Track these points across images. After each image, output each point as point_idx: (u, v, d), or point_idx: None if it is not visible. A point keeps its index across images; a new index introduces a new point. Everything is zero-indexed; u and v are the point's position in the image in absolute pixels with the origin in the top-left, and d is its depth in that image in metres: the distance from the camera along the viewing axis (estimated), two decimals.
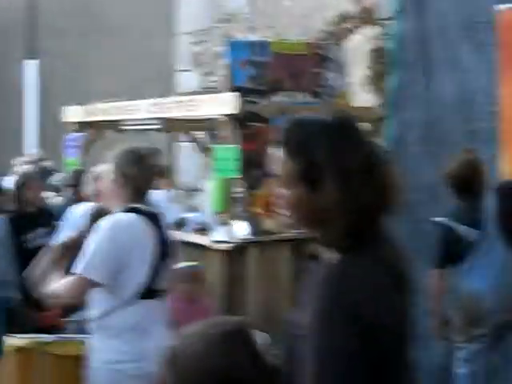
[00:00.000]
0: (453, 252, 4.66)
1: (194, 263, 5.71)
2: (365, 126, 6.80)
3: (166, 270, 4.07)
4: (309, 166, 2.10)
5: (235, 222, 6.09)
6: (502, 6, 5.00)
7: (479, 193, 4.69)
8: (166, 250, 4.07)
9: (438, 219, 4.74)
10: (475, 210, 4.65)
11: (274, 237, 6.10)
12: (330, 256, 2.13)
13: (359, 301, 2.01)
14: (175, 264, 4.48)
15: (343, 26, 7.58)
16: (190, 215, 7.74)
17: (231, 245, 6.03)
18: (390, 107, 6.10)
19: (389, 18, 6.25)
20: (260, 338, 2.00)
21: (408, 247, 5.69)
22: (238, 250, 6.01)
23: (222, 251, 6.09)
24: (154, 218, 4.06)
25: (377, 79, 6.72)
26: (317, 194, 2.09)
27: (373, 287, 2.05)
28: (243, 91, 6.20)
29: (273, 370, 1.98)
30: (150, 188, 4.19)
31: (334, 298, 2.02)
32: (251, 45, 6.54)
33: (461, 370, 4.68)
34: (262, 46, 6.50)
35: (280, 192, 2.13)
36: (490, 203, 4.60)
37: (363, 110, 6.58)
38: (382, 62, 6.57)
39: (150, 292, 3.97)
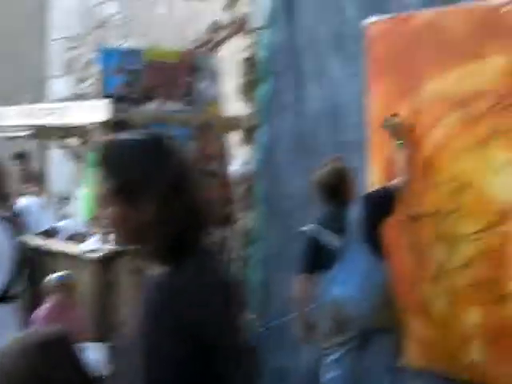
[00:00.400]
0: (318, 259, 4.75)
1: (66, 272, 5.66)
2: (237, 134, 6.90)
3: (21, 275, 4.02)
4: (124, 183, 2.17)
5: (107, 230, 6.03)
6: (370, 19, 5.11)
7: (346, 201, 4.79)
8: (22, 256, 4.02)
9: (304, 227, 4.82)
10: (342, 218, 4.74)
11: None
12: (154, 270, 2.18)
13: (183, 310, 2.06)
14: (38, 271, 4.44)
15: (216, 35, 7.62)
16: (61, 223, 7.63)
17: (102, 254, 5.98)
18: (262, 116, 6.16)
19: (261, 28, 6.30)
20: (94, 348, 2.06)
21: (281, 254, 5.81)
22: (109, 259, 5.97)
23: (94, 260, 6.03)
24: (11, 223, 3.99)
25: (249, 88, 6.78)
26: (134, 211, 2.16)
27: (197, 298, 2.11)
28: (115, 99, 6.16)
29: (91, 381, 2.04)
30: (7, 193, 4.12)
31: (159, 308, 2.08)
32: (123, 52, 6.51)
33: (328, 375, 4.77)
34: (135, 53, 6.47)
35: (102, 211, 2.19)
36: (356, 211, 4.69)
37: (235, 119, 6.63)
38: (253, 72, 6.63)
39: (4, 297, 3.92)
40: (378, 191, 4.91)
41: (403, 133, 4.85)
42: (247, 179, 6.56)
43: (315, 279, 4.83)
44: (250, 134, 6.62)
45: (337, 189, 4.81)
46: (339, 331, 4.68)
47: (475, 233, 4.58)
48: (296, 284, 4.84)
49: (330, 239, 4.70)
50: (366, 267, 4.68)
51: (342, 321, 4.66)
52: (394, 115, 4.90)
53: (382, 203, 4.79)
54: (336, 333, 4.68)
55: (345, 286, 4.67)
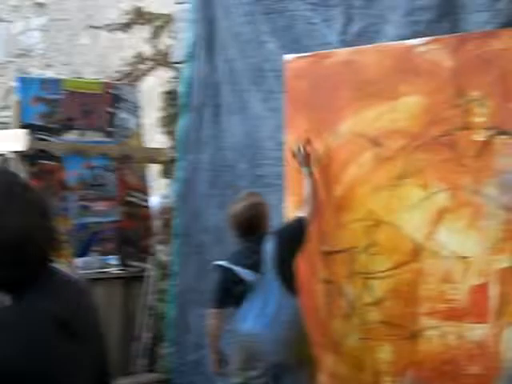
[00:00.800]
0: (231, 294, 4.73)
1: None
2: (157, 166, 6.87)
3: None
4: None
5: None
6: (289, 55, 5.16)
7: (261, 235, 4.79)
8: None
9: (218, 262, 4.80)
10: (256, 253, 4.73)
11: None
12: None
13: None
14: None
15: (139, 67, 7.59)
16: None
17: None
18: (181, 150, 6.16)
19: (182, 62, 6.32)
20: None
21: (197, 288, 5.77)
22: None
23: None
24: None
25: (169, 121, 6.77)
26: None
27: (17, 334, 2.06)
28: (33, 128, 6.08)
29: None
30: None
31: None
32: (42, 81, 6.42)
33: None
34: (54, 83, 6.40)
35: None
36: (269, 247, 4.70)
37: (155, 151, 6.60)
38: (174, 105, 6.63)
39: None
40: (288, 225, 4.93)
41: (311, 161, 4.90)
42: (166, 212, 6.53)
43: (227, 314, 4.82)
44: (169, 167, 6.60)
45: (252, 223, 4.80)
46: (251, 366, 4.65)
47: (388, 270, 4.62)
48: (208, 319, 4.82)
49: (244, 274, 4.69)
50: (277, 302, 4.67)
51: (254, 356, 4.64)
52: (306, 143, 4.95)
53: (293, 237, 4.81)
54: (248, 368, 4.66)
55: (256, 321, 4.66)
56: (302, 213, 4.88)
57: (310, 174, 4.91)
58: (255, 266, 4.69)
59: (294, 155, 4.99)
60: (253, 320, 4.67)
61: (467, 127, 4.33)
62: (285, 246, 4.73)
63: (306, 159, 4.93)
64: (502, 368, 4.16)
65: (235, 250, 4.85)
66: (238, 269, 4.70)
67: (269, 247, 4.70)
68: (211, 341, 4.87)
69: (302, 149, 4.94)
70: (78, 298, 2.31)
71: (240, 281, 4.69)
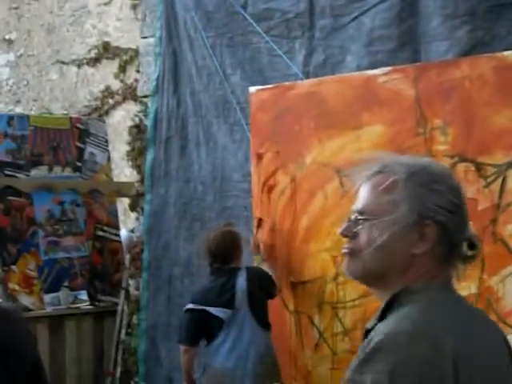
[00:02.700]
0: (204, 331, 4.72)
1: None
2: (126, 200, 6.83)
3: None
4: None
5: None
6: (254, 88, 5.15)
7: (233, 268, 4.77)
8: None
9: (189, 306, 4.77)
10: (228, 289, 4.71)
11: (31, 313, 5.93)
12: None
13: None
14: None
15: (107, 102, 7.58)
16: None
17: None
18: (149, 183, 6.12)
19: (148, 96, 6.30)
20: None
21: (168, 322, 5.72)
22: None
23: None
24: None
25: (137, 155, 6.74)
26: None
27: None
28: (0, 165, 6.06)
29: None
30: None
31: None
32: (10, 118, 6.39)
33: None
34: (21, 119, 6.37)
35: None
36: (242, 281, 4.67)
37: (123, 185, 6.57)
38: (141, 138, 6.61)
39: None
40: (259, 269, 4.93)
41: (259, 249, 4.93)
42: (135, 246, 6.49)
43: (199, 350, 4.79)
44: (137, 201, 6.57)
45: (225, 251, 4.79)
46: None
47: (356, 299, 4.60)
48: (182, 354, 4.80)
49: (216, 312, 4.67)
50: (250, 337, 4.66)
51: None
52: (259, 222, 4.97)
53: (265, 278, 4.81)
54: None
55: (229, 355, 4.64)
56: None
57: (263, 260, 4.95)
58: (227, 303, 4.66)
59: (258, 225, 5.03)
60: (226, 355, 4.64)
61: (431, 155, 4.32)
62: (256, 281, 4.72)
63: (256, 248, 4.96)
64: None
65: (206, 286, 4.82)
66: (209, 308, 4.67)
67: (240, 281, 4.68)
68: (185, 377, 4.84)
69: (253, 239, 4.99)
70: (11, 326, 2.31)
71: (212, 317, 4.67)
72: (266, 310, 4.76)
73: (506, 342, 1.95)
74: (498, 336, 1.95)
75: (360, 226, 1.91)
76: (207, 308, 4.68)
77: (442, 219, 1.85)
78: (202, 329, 4.72)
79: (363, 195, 1.95)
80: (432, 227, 1.86)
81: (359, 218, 1.92)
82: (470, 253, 1.93)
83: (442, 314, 1.83)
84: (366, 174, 1.94)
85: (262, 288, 4.78)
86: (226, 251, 4.80)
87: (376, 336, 1.77)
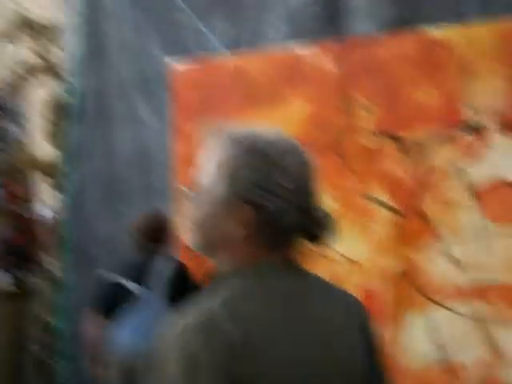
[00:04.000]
0: (116, 302, 4.63)
1: None
2: (45, 178, 6.66)
3: None
4: None
5: None
6: (176, 64, 5.04)
7: (160, 250, 4.70)
8: None
9: (108, 274, 4.67)
10: (150, 267, 4.64)
11: None
12: None
13: None
14: None
15: (25, 78, 7.37)
16: None
17: None
18: (70, 161, 5.95)
19: (70, 73, 6.12)
20: None
21: (86, 300, 5.61)
22: None
23: None
24: None
25: (57, 133, 6.56)
26: None
27: None
28: None
29: None
30: None
31: None
32: None
33: None
34: None
35: None
36: (164, 266, 4.59)
37: (44, 163, 6.39)
38: (63, 116, 6.43)
39: None
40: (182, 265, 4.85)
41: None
42: (56, 225, 6.32)
43: (107, 324, 4.71)
44: (59, 179, 6.40)
45: (153, 234, 4.73)
46: (127, 381, 4.54)
47: None
48: (89, 323, 4.72)
49: (131, 287, 4.58)
50: (156, 318, 4.57)
51: (127, 371, 4.54)
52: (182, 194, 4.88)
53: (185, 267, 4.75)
54: (124, 382, 4.55)
55: (133, 333, 4.56)
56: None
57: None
58: (144, 282, 4.59)
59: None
60: (130, 332, 4.57)
61: (354, 132, 4.28)
62: (178, 268, 4.67)
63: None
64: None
65: (128, 262, 4.74)
66: (126, 283, 4.59)
67: (162, 264, 4.61)
68: (90, 348, 4.77)
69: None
70: None
71: (126, 292, 4.59)
72: (182, 296, 4.68)
73: (362, 320, 1.88)
74: (345, 318, 1.87)
75: (192, 200, 1.83)
76: (124, 282, 4.60)
77: (262, 202, 1.75)
78: (114, 301, 4.64)
79: (199, 167, 1.85)
80: (250, 209, 1.75)
81: (192, 190, 1.84)
82: (319, 233, 1.83)
83: (250, 301, 1.73)
84: (204, 146, 1.84)
85: (182, 275, 4.71)
86: (153, 232, 4.74)
87: (177, 321, 1.68)
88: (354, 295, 1.91)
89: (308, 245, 1.84)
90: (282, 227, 1.75)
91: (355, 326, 1.86)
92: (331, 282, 1.90)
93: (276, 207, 1.73)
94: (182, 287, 4.67)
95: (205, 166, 1.81)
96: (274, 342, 1.68)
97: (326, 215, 1.84)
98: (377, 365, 1.96)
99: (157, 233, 4.75)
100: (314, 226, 1.81)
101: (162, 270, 4.60)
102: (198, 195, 1.80)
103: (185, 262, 4.73)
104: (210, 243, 1.79)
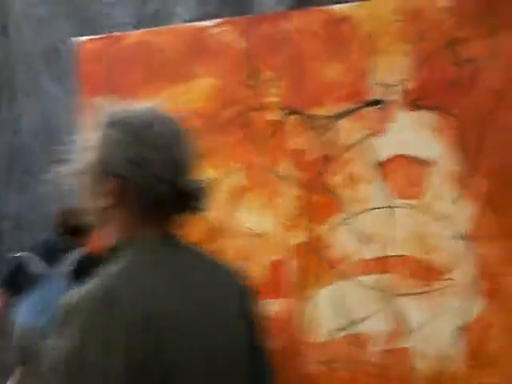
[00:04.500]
0: (20, 282, 4.58)
1: None
2: None
3: None
4: None
5: None
6: (82, 37, 4.94)
7: (75, 240, 4.67)
8: None
9: (16, 252, 4.61)
10: (61, 251, 4.60)
11: None
12: None
13: None
14: None
15: None
16: None
17: None
18: None
19: None
20: None
21: None
22: None
23: None
24: None
25: None
26: None
27: None
28: None
29: None
30: None
31: None
32: None
33: None
34: None
35: None
36: (75, 249, 4.55)
37: None
38: None
39: None
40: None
41: None
42: None
43: (13, 300, 4.67)
44: None
45: (71, 229, 4.69)
46: (26, 360, 4.52)
47: None
48: None
49: (40, 267, 4.53)
50: (57, 297, 4.54)
51: (24, 345, 4.51)
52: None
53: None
54: (22, 361, 4.53)
55: (31, 311, 4.54)
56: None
57: None
58: (54, 263, 4.55)
59: None
60: (29, 311, 4.54)
61: (261, 108, 4.29)
62: (87, 255, 4.64)
63: None
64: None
65: (44, 241, 4.70)
66: (34, 260, 4.54)
67: (76, 251, 4.58)
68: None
69: None
70: None
71: (33, 272, 4.55)
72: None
73: (241, 291, 1.91)
74: (226, 286, 1.90)
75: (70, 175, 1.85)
76: (34, 261, 4.54)
77: (130, 175, 1.76)
78: (22, 278, 4.59)
79: (75, 143, 1.88)
80: (117, 181, 1.77)
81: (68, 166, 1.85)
82: (195, 204, 1.86)
83: (139, 274, 1.75)
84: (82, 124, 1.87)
85: (92, 260, 4.67)
86: (70, 227, 4.70)
87: (71, 298, 1.69)
88: (235, 267, 1.94)
89: (187, 216, 1.85)
90: (153, 200, 1.76)
91: (236, 299, 1.88)
92: (213, 255, 1.92)
93: (144, 180, 1.73)
94: (89, 271, 4.62)
95: (79, 141, 1.82)
96: (169, 312, 1.68)
97: (200, 186, 1.85)
98: (257, 338, 1.99)
99: (72, 228, 4.71)
100: (187, 198, 1.82)
101: (74, 255, 4.57)
102: (75, 171, 1.80)
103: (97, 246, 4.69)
104: (96, 218, 1.79)
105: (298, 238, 4.23)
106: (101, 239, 1.80)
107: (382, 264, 3.99)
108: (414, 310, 3.89)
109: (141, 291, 1.68)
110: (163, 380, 1.63)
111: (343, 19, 4.08)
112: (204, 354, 1.74)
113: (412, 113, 3.90)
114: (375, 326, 4.00)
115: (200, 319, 1.77)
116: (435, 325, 3.83)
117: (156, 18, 4.87)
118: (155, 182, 1.76)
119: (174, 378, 1.66)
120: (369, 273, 4.02)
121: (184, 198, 1.81)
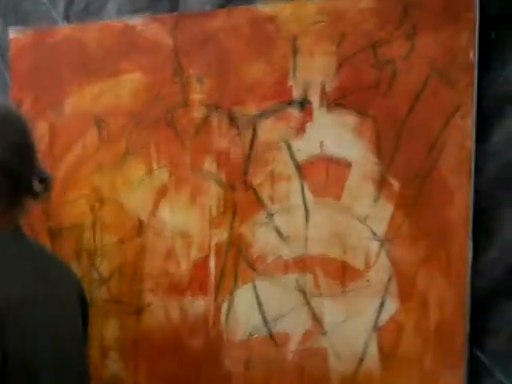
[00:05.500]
0: None
1: None
2: None
3: None
4: None
5: None
6: (13, 32, 4.85)
7: None
8: None
9: None
10: None
11: None
12: None
13: None
14: None
15: None
16: None
17: None
18: None
19: None
20: None
21: None
22: None
23: None
24: None
25: None
26: None
27: None
28: None
29: None
30: None
31: None
32: None
33: None
34: None
35: None
36: None
37: None
38: None
39: None
40: None
41: None
42: None
43: None
44: None
45: None
46: None
47: (112, 248, 4.46)
48: None
49: None
50: None
51: None
52: None
53: None
54: None
55: None
56: None
57: None
58: None
59: None
60: None
61: (186, 105, 4.23)
62: None
63: None
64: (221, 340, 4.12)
65: None
66: None
67: None
68: None
69: None
70: None
71: None
72: None
73: (78, 286, 1.91)
74: (66, 281, 1.90)
75: None
76: None
77: None
78: None
79: None
80: None
81: None
82: (39, 189, 1.91)
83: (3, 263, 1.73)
84: None
85: None
86: None
87: None
88: (70, 267, 1.95)
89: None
90: (20, 182, 1.77)
91: (75, 297, 1.88)
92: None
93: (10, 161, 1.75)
94: None
95: None
96: (27, 301, 1.66)
97: (45, 179, 1.86)
98: (84, 336, 2.00)
99: None
100: (29, 191, 1.83)
101: None
102: None
103: None
104: None
105: (221, 235, 4.18)
106: None
107: (300, 263, 3.95)
108: (331, 310, 3.85)
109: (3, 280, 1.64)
110: (21, 366, 1.62)
111: (268, 19, 4.03)
112: (53, 347, 1.72)
113: (332, 113, 3.86)
114: (293, 325, 3.96)
115: (52, 311, 1.74)
116: (350, 325, 3.79)
117: (85, 13, 4.77)
118: (26, 166, 1.76)
119: (30, 363, 1.65)
120: (287, 272, 3.97)
121: (29, 191, 1.80)
